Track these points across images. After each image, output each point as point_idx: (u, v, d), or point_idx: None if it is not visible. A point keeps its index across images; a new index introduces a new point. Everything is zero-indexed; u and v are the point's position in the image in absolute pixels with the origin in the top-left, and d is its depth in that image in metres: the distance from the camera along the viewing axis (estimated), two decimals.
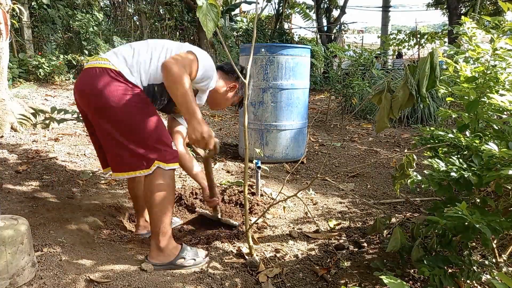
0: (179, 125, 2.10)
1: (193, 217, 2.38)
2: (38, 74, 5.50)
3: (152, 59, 1.69)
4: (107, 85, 1.59)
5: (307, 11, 13.69)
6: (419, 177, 1.55)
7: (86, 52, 6.54)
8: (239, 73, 1.75)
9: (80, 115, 2.31)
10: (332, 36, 12.68)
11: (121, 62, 1.65)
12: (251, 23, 11.42)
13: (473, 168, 1.37)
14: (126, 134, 1.61)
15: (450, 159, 1.42)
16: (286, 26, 13.64)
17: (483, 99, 1.58)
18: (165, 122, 1.87)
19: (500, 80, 1.56)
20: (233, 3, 10.99)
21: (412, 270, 1.71)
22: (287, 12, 13.33)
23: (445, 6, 10.63)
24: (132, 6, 8.98)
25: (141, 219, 2.08)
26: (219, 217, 2.21)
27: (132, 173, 1.65)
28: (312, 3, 13.00)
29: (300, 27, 15.19)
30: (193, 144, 1.69)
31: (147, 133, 1.63)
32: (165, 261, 1.69)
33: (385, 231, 2.08)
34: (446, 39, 9.17)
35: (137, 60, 1.67)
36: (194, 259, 1.73)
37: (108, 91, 1.59)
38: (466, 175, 1.33)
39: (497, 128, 1.60)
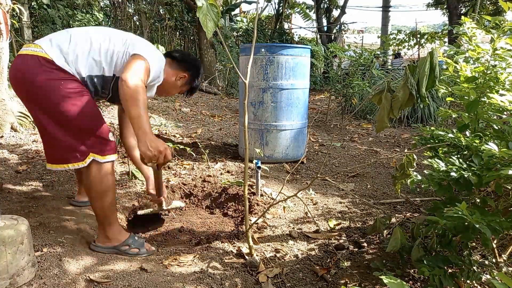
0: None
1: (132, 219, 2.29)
2: None
3: (92, 50, 1.63)
4: (38, 73, 1.54)
5: (307, 11, 13.69)
6: (419, 177, 1.55)
7: None
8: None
9: None
10: (332, 36, 12.69)
11: (54, 50, 1.58)
12: (251, 23, 11.42)
13: (473, 168, 1.37)
14: (58, 124, 1.56)
15: (450, 159, 1.42)
16: (286, 26, 13.65)
17: (483, 99, 1.58)
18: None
19: (500, 80, 1.56)
20: (233, 3, 10.98)
21: (412, 270, 1.71)
22: (287, 12, 13.33)
23: (445, 6, 10.63)
24: (132, 6, 8.98)
25: (82, 188, 2.08)
26: (164, 207, 2.17)
27: (65, 165, 1.61)
28: (312, 3, 13.00)
29: (300, 27, 15.19)
30: (150, 161, 1.58)
31: (81, 124, 1.58)
32: (110, 245, 1.76)
33: (385, 231, 2.08)
34: (446, 39, 9.17)
35: (74, 49, 1.60)
36: (138, 249, 1.78)
37: (39, 79, 1.53)
38: (466, 175, 1.33)
39: (497, 128, 1.60)
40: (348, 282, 1.67)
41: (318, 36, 13.14)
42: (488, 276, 1.48)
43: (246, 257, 1.81)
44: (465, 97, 1.63)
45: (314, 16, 13.24)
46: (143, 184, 2.77)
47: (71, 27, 6.84)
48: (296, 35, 13.70)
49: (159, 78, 1.81)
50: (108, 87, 1.72)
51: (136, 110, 1.51)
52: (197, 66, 2.03)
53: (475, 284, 1.56)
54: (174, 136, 4.12)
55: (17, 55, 1.64)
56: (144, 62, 1.62)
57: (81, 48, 1.62)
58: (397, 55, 12.23)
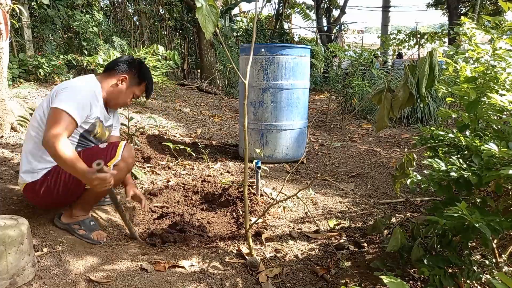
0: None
1: None
2: (38, 74, 5.49)
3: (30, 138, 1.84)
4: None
5: (307, 11, 13.68)
6: (419, 177, 1.55)
7: (86, 52, 6.54)
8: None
9: None
10: (332, 36, 12.68)
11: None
12: (251, 23, 11.42)
13: (473, 168, 1.37)
14: None
15: (450, 159, 1.42)
16: (286, 26, 13.64)
17: (483, 99, 1.58)
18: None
19: (500, 80, 1.56)
20: (232, 2, 10.97)
21: (412, 270, 1.71)
22: (287, 12, 13.32)
23: (445, 6, 10.63)
24: (132, 6, 8.97)
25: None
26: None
27: None
28: (312, 3, 12.99)
29: (300, 27, 15.20)
30: (103, 189, 1.72)
31: None
32: (66, 222, 1.91)
33: (385, 231, 2.08)
34: (446, 39, 9.17)
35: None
36: (85, 232, 1.91)
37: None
38: (466, 175, 1.33)
39: (497, 128, 1.60)
40: (348, 282, 1.67)
41: (318, 36, 13.13)
42: (488, 276, 1.48)
43: (246, 257, 1.81)
44: (465, 97, 1.63)
45: (314, 16, 13.23)
46: (143, 185, 2.77)
47: (71, 27, 6.83)
48: (296, 35, 13.70)
49: (92, 109, 1.84)
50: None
51: (65, 164, 1.65)
52: (131, 61, 2.00)
53: (475, 284, 1.56)
54: (174, 136, 4.12)
55: None
56: (59, 112, 1.69)
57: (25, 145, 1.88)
58: (399, 55, 12.23)
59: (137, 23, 8.88)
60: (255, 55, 3.25)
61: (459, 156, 1.55)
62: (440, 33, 10.12)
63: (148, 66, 2.04)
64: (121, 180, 2.01)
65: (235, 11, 11.92)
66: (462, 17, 1.81)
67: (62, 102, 1.71)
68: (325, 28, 12.91)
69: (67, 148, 1.64)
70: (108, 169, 1.67)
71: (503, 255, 1.63)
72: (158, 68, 4.92)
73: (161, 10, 9.22)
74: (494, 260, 1.57)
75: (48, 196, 1.84)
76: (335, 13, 13.16)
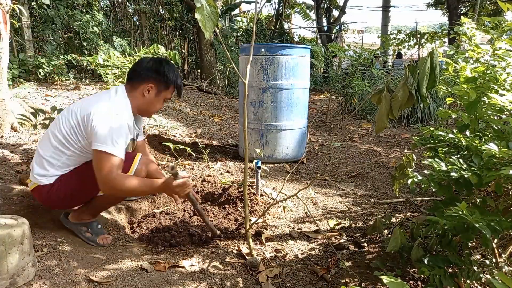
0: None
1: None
2: (38, 74, 5.50)
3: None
4: None
5: (307, 11, 13.68)
6: (419, 177, 1.55)
7: (86, 52, 6.54)
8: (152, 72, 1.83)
9: None
10: (332, 36, 12.68)
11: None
12: (251, 23, 11.42)
13: (473, 168, 1.37)
14: None
15: (450, 159, 1.42)
16: (286, 26, 13.63)
17: (483, 99, 1.58)
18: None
19: (500, 80, 1.56)
20: (233, 3, 10.97)
21: (412, 270, 1.71)
22: (287, 12, 13.31)
23: (445, 6, 10.63)
24: (132, 6, 8.97)
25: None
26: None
27: None
28: (312, 3, 12.99)
29: (300, 27, 15.18)
30: (187, 195, 1.84)
31: None
32: (73, 222, 1.94)
33: (385, 231, 2.08)
34: (446, 39, 9.16)
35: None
36: (91, 235, 1.92)
37: None
38: (466, 175, 1.33)
39: (497, 128, 1.60)
40: (348, 282, 1.67)
41: (318, 36, 13.12)
42: (488, 276, 1.48)
43: (246, 257, 1.81)
44: (465, 97, 1.63)
45: (314, 16, 13.22)
46: None
47: (71, 27, 6.84)
48: (296, 35, 13.68)
49: (128, 137, 1.82)
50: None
51: (142, 193, 1.95)
52: (154, 68, 1.85)
53: (475, 284, 1.56)
54: (174, 136, 4.12)
55: None
56: (104, 156, 1.67)
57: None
58: (398, 55, 12.23)
59: (137, 23, 8.88)
60: (255, 55, 3.25)
61: (459, 156, 1.55)
62: (440, 33, 10.12)
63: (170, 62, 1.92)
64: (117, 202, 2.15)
65: (235, 11, 11.92)
66: (462, 17, 1.81)
67: (104, 145, 1.66)
68: (325, 28, 12.91)
69: (127, 181, 1.69)
70: (182, 172, 1.74)
71: (503, 255, 1.63)
72: None
73: (161, 10, 9.22)
74: (494, 260, 1.57)
75: (57, 198, 1.83)
76: (335, 13, 13.16)
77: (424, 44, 9.73)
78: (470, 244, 1.70)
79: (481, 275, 1.44)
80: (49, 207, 1.98)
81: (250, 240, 1.82)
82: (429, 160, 1.47)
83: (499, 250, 1.65)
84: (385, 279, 0.98)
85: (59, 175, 1.83)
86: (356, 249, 1.96)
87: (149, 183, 1.75)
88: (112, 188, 1.68)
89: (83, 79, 6.25)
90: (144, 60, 1.88)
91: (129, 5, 9.01)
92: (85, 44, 6.54)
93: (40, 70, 5.53)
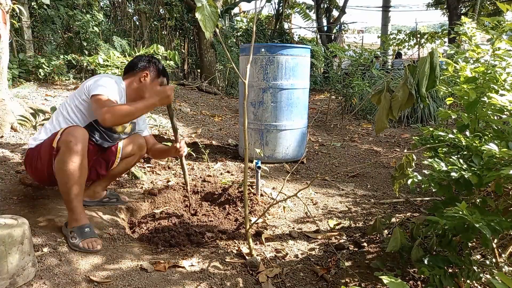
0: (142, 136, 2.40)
1: None
2: (38, 74, 5.49)
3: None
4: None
5: (307, 11, 13.67)
6: (419, 177, 1.55)
7: (86, 52, 6.54)
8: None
9: None
10: (332, 36, 12.68)
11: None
12: (251, 23, 11.42)
13: (473, 168, 1.37)
14: None
15: (450, 159, 1.42)
16: (286, 26, 13.63)
17: (483, 99, 1.58)
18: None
19: (500, 80, 1.56)
20: (232, 2, 10.97)
21: (412, 270, 1.71)
22: (287, 12, 13.31)
23: (445, 6, 10.62)
24: (132, 6, 8.97)
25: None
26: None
27: None
28: (312, 3, 12.99)
29: (300, 27, 15.19)
30: (170, 102, 2.04)
31: None
32: (65, 228, 1.90)
33: (385, 231, 2.08)
34: (446, 39, 9.16)
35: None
36: (76, 240, 1.80)
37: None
38: (466, 175, 1.33)
39: (497, 128, 1.60)
40: (348, 282, 1.67)
41: (318, 36, 13.13)
42: (488, 276, 1.48)
43: (246, 257, 1.81)
44: (465, 98, 1.63)
45: (314, 16, 13.22)
46: (143, 184, 2.77)
47: (71, 27, 6.84)
48: (296, 35, 13.68)
49: (121, 100, 2.05)
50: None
51: (135, 113, 1.87)
52: (146, 58, 2.20)
53: (475, 284, 1.57)
54: None
55: None
56: (99, 97, 1.89)
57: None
58: (398, 55, 12.22)
59: (137, 23, 8.89)
60: (255, 55, 3.25)
61: (459, 156, 1.55)
62: (440, 33, 10.12)
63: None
64: (129, 169, 2.43)
65: (235, 11, 11.92)
66: (462, 17, 1.81)
67: (96, 90, 1.89)
68: (325, 28, 12.90)
69: (121, 106, 1.85)
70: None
71: (503, 255, 1.63)
72: None
73: (161, 10, 9.22)
74: (494, 260, 1.57)
75: (33, 166, 1.96)
76: (335, 13, 13.15)
77: (424, 44, 9.73)
78: (470, 244, 1.70)
79: (481, 275, 1.44)
80: (35, 179, 2.11)
81: (250, 240, 1.82)
82: (429, 160, 1.47)
83: (499, 250, 1.65)
84: (385, 279, 0.98)
85: (43, 139, 1.96)
86: (356, 249, 1.96)
87: (140, 100, 1.93)
88: (112, 116, 1.79)
89: (83, 79, 6.25)
90: (137, 57, 2.27)
91: (129, 5, 9.01)
92: (85, 44, 6.54)
93: (40, 70, 5.53)
